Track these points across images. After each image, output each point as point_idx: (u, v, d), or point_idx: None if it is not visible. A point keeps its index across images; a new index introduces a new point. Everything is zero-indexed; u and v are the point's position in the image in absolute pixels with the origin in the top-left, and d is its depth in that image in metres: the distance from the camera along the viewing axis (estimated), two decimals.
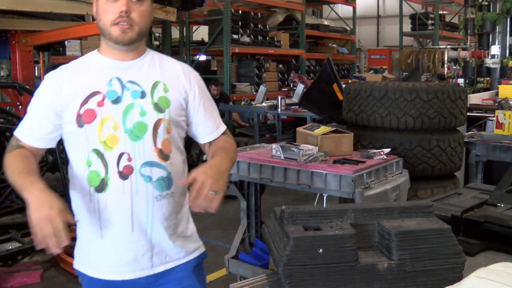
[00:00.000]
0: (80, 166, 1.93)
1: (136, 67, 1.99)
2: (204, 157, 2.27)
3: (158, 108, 1.95)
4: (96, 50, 2.04)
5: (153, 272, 2.00)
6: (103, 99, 1.90)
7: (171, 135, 1.99)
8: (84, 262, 2.03)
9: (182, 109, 2.04)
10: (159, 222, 1.97)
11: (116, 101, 1.91)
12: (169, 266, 2.03)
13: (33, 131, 1.96)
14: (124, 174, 1.90)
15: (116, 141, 1.90)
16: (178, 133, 2.04)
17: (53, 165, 6.76)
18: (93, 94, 1.91)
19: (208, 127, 2.12)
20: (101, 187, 1.91)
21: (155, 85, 1.97)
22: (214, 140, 2.13)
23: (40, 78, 9.30)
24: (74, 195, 2.00)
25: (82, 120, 1.89)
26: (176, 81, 2.03)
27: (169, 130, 1.98)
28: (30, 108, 1.99)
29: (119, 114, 1.90)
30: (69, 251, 4.83)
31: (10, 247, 4.56)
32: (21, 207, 5.60)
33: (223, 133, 2.16)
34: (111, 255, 1.96)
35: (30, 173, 1.83)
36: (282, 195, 7.29)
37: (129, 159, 1.90)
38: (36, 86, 7.72)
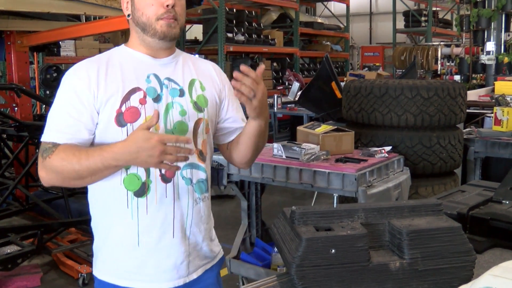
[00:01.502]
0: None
1: (171, 64, 1.90)
2: None
3: (198, 107, 1.89)
4: (123, 45, 1.92)
5: (189, 279, 1.92)
6: (144, 97, 1.79)
7: (208, 136, 1.94)
8: (113, 271, 1.88)
9: (216, 109, 1.99)
10: (196, 226, 1.90)
11: (157, 99, 1.81)
12: (200, 272, 1.96)
13: (69, 130, 1.74)
14: (167, 177, 1.81)
15: None
16: (212, 133, 1.99)
17: None
18: (134, 90, 1.79)
19: (237, 121, 2.05)
20: (142, 191, 1.80)
21: (192, 83, 1.91)
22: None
23: (34, 79, 9.24)
24: (102, 200, 1.87)
25: (123, 118, 1.76)
26: (210, 79, 1.97)
27: (207, 130, 1.93)
28: (62, 107, 1.76)
29: (161, 113, 1.79)
30: (69, 253, 4.83)
31: (9, 251, 4.54)
32: (18, 210, 5.59)
33: None
34: (149, 263, 1.84)
35: (93, 149, 1.69)
36: (280, 194, 7.30)
37: None
38: (32, 87, 7.66)
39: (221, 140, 2.08)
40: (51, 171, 1.71)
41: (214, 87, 1.98)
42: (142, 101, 1.78)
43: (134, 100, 1.78)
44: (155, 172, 1.80)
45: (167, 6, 1.78)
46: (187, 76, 1.91)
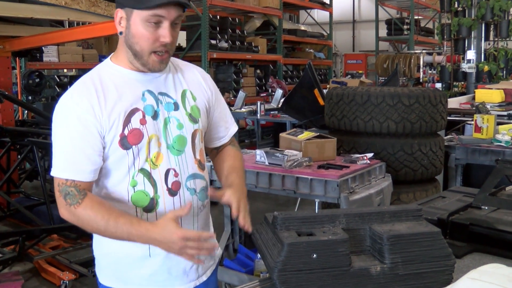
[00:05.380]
0: (122, 187, 1.84)
1: (162, 77, 1.91)
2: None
3: (193, 118, 1.93)
4: (108, 59, 1.91)
5: (199, 282, 2.00)
6: (144, 116, 1.82)
7: (202, 144, 2.01)
8: (125, 279, 1.92)
9: (208, 116, 2.04)
10: (202, 231, 1.96)
11: (155, 116, 1.85)
12: (209, 273, 2.05)
13: (86, 164, 1.78)
14: (173, 190, 1.87)
15: (161, 158, 1.85)
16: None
17: (32, 173, 6.69)
18: (133, 111, 1.81)
19: (220, 131, 2.13)
20: (151, 206, 1.85)
21: (183, 94, 1.94)
22: (223, 145, 2.17)
23: (16, 85, 9.16)
24: None
25: (128, 141, 1.80)
26: (199, 87, 2.01)
27: (202, 139, 2.00)
28: (71, 139, 1.77)
29: (160, 130, 1.85)
30: (51, 260, 4.79)
31: None
32: (0, 216, 5.54)
33: (231, 140, 2.19)
34: (161, 271, 1.90)
35: (121, 217, 1.74)
36: (264, 200, 7.29)
37: (176, 175, 1.87)
38: (14, 93, 7.58)
39: (207, 143, 2.13)
40: (76, 219, 1.77)
41: (203, 95, 2.01)
42: (143, 121, 1.82)
43: (135, 122, 1.81)
44: (162, 187, 1.85)
45: (163, 42, 1.78)
46: (178, 87, 1.94)
